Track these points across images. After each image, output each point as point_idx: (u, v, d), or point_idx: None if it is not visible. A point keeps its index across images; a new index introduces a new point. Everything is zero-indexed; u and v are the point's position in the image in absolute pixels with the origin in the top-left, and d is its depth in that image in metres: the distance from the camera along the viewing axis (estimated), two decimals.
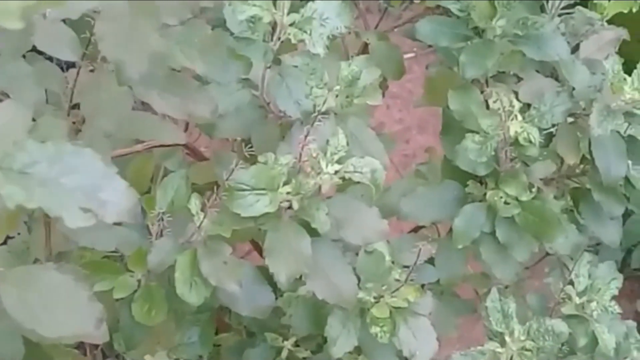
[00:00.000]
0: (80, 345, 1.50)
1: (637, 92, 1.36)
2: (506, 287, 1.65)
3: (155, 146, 1.49)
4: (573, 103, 1.44)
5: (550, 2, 1.64)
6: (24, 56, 1.23)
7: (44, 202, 0.71)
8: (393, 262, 1.48)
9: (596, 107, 1.35)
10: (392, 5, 1.87)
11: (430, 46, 3.41)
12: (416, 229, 1.80)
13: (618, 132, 1.41)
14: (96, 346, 1.61)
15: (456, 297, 1.83)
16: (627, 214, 3.50)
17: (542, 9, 1.62)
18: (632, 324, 1.70)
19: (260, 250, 1.68)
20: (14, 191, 0.70)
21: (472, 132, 1.45)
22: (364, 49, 1.78)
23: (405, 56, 3.45)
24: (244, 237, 1.41)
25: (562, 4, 1.65)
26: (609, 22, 1.72)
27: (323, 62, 1.41)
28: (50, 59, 1.30)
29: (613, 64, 1.37)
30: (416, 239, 1.64)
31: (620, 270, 3.86)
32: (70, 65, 1.31)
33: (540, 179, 1.65)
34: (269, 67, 1.36)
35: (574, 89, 1.44)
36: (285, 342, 1.61)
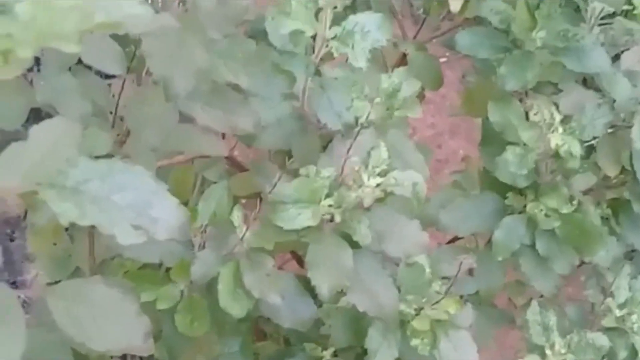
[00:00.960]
0: (123, 356, 1.52)
1: None
2: (541, 296, 1.65)
3: (197, 157, 1.51)
4: (614, 115, 1.44)
5: (589, 13, 1.64)
6: (70, 69, 1.26)
7: (96, 219, 0.72)
8: (432, 274, 1.48)
9: (638, 119, 1.35)
10: (430, 15, 1.87)
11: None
12: (454, 240, 1.80)
13: None
14: (141, 357, 1.63)
15: (494, 308, 1.82)
16: None
17: (582, 20, 1.62)
18: None
19: (299, 259, 1.69)
20: (68, 208, 0.72)
21: (513, 144, 1.45)
22: (402, 60, 1.79)
23: (440, 60, 3.45)
24: (285, 248, 1.42)
25: (601, 15, 1.65)
26: None
27: (363, 74, 1.42)
28: (95, 72, 1.32)
29: None
30: (455, 251, 1.65)
31: None
32: (111, 76, 1.33)
33: (582, 190, 1.65)
34: (311, 79, 1.37)
35: (614, 101, 1.43)
36: (324, 353, 1.61)
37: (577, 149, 1.40)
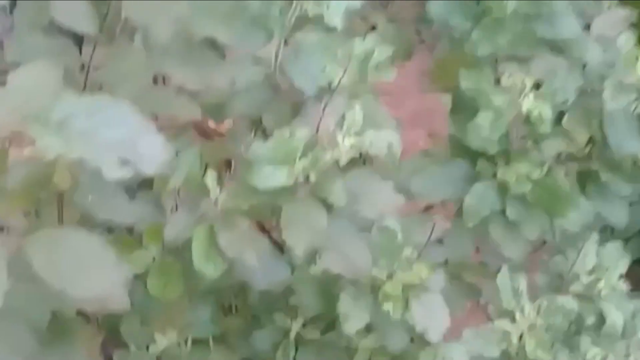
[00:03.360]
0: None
1: None
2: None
3: (164, 125, 1.49)
4: (585, 80, 1.45)
5: None
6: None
7: (82, 153, 0.71)
8: (405, 240, 1.49)
9: (609, 82, 1.36)
10: None
11: (423, 42, 3.42)
12: (426, 209, 1.81)
13: (631, 109, 1.41)
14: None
15: (464, 281, 1.83)
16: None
17: None
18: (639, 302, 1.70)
19: (266, 232, 1.68)
20: (53, 142, 0.70)
21: (485, 110, 1.46)
22: (371, 32, 1.78)
23: None
24: (260, 214, 1.40)
25: None
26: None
27: (336, 40, 1.42)
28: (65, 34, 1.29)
29: (627, 40, 1.38)
30: (427, 218, 1.66)
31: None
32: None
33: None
34: (284, 44, 1.36)
35: (585, 66, 1.45)
36: (293, 323, 1.61)
37: (548, 113, 1.42)
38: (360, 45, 1.43)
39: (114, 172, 0.71)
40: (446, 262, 1.65)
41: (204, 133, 1.61)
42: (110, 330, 1.56)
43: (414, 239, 1.53)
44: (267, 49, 1.38)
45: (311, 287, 1.49)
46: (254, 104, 1.45)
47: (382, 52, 1.45)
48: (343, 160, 1.24)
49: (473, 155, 1.55)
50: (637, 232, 3.60)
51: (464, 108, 1.52)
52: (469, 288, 1.81)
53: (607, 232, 1.85)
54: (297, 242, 1.23)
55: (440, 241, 1.64)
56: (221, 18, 1.08)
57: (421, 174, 1.57)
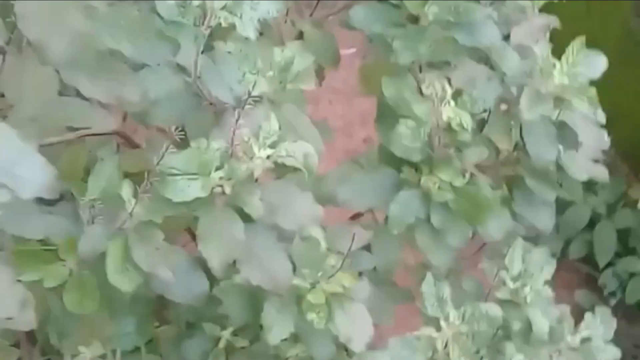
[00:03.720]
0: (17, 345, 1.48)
1: (566, 77, 1.39)
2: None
3: (88, 134, 1.48)
4: (504, 89, 1.46)
5: None
6: None
7: None
8: (329, 249, 1.49)
9: (526, 91, 1.38)
10: None
11: (372, 41, 3.44)
12: (355, 217, 1.81)
13: (549, 117, 1.43)
14: (33, 344, 1.58)
15: (394, 286, 1.84)
16: (566, 205, 3.57)
17: None
18: (565, 308, 1.72)
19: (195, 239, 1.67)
20: None
21: (406, 118, 1.46)
22: (299, 38, 1.78)
23: (348, 51, 3.46)
24: (178, 224, 1.40)
25: None
26: (542, 10, 1.75)
27: (257, 49, 1.41)
28: None
29: (543, 50, 1.39)
30: (352, 227, 1.66)
31: (559, 261, 3.92)
32: None
33: (477, 167, 1.67)
34: (202, 53, 1.35)
35: (505, 74, 1.46)
36: (223, 332, 1.61)
37: (468, 122, 1.42)
38: (279, 54, 1.42)
39: None
40: (374, 269, 1.65)
41: (130, 141, 1.59)
42: (43, 341, 1.55)
43: (340, 247, 1.53)
44: (188, 58, 1.37)
45: (237, 297, 1.49)
46: (175, 113, 1.43)
47: (302, 61, 1.45)
48: (258, 172, 1.23)
49: (399, 163, 1.55)
50: (579, 232, 3.66)
51: (389, 115, 1.53)
52: (400, 294, 1.82)
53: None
54: (213, 255, 1.23)
55: (368, 249, 1.64)
56: (125, 31, 1.07)
57: (348, 182, 1.57)
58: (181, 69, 1.40)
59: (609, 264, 3.63)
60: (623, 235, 3.57)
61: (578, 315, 4.05)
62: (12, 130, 0.72)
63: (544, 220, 1.72)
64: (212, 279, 1.45)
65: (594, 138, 1.49)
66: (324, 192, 1.55)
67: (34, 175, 0.71)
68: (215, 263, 1.23)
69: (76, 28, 0.97)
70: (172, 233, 1.32)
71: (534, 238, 3.73)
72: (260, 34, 1.78)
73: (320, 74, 1.98)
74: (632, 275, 3.57)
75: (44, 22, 0.94)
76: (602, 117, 1.48)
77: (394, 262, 1.65)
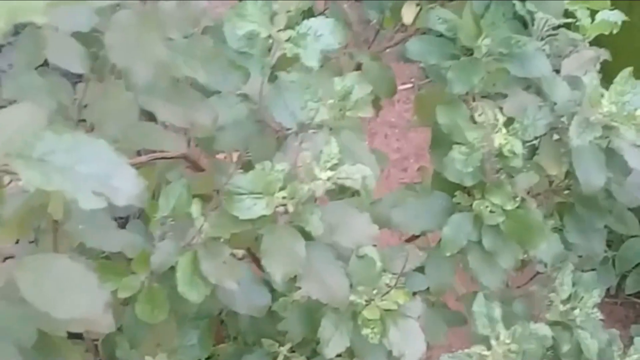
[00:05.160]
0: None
1: (614, 105, 1.45)
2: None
3: (158, 158, 1.57)
4: (554, 117, 1.52)
5: (536, 25, 1.74)
6: (36, 69, 1.32)
7: (60, 186, 0.78)
8: (385, 270, 1.55)
9: (575, 119, 1.44)
10: (385, 28, 1.95)
11: (428, 77, 3.49)
12: (410, 240, 1.88)
13: (598, 144, 1.49)
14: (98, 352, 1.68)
15: (447, 309, 1.90)
16: (622, 240, 3.57)
17: (528, 32, 1.71)
18: (615, 332, 1.77)
19: (256, 260, 1.76)
20: (33, 176, 0.78)
21: (460, 144, 1.53)
22: (358, 69, 1.86)
23: (404, 87, 3.54)
24: (243, 242, 1.48)
25: (546, 27, 1.75)
26: (593, 43, 1.82)
27: (318, 78, 1.50)
28: (61, 74, 1.38)
29: (591, 79, 1.46)
30: (407, 248, 1.73)
31: (616, 296, 3.92)
32: (79, 81, 1.39)
33: (528, 193, 1.73)
34: (268, 82, 1.44)
35: (555, 103, 1.52)
36: (281, 348, 1.68)
37: (519, 148, 1.49)
38: (339, 84, 1.51)
39: (89, 203, 0.79)
40: (427, 290, 1.71)
41: (196, 165, 1.68)
42: (108, 353, 1.64)
43: (394, 268, 1.60)
44: (253, 87, 1.46)
45: (295, 313, 1.56)
46: (240, 139, 1.52)
47: (361, 90, 1.53)
48: (319, 192, 1.31)
49: (452, 188, 1.62)
50: (635, 266, 3.65)
51: (443, 143, 1.60)
52: (453, 316, 1.88)
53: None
54: (276, 270, 1.31)
55: (421, 270, 1.71)
56: (199, 60, 1.17)
57: (402, 206, 1.64)
58: (246, 97, 1.49)
59: None
60: None
61: None
62: (108, 145, 0.81)
63: (594, 245, 1.77)
64: (273, 295, 1.54)
65: None
66: (379, 215, 1.62)
67: (127, 185, 0.80)
68: (278, 277, 1.30)
69: (158, 57, 1.06)
70: (234, 248, 1.40)
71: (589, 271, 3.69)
72: (321, 65, 1.88)
73: (377, 105, 2.07)
74: None
75: (130, 50, 1.04)
76: None
77: (447, 284, 1.70)
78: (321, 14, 1.83)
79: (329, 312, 1.49)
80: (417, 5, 1.79)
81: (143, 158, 1.52)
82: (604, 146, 1.53)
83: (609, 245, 3.60)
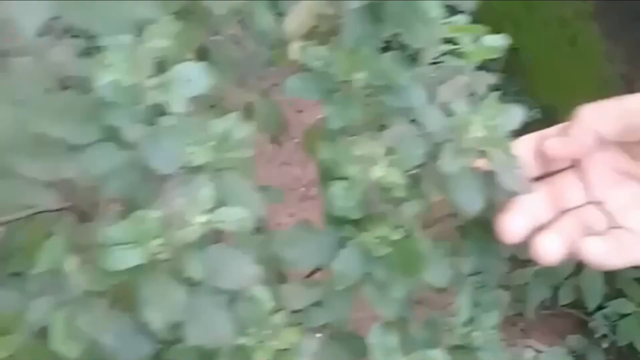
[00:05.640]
0: None
1: (483, 130, 1.47)
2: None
3: (41, 211, 1.56)
4: (432, 145, 1.54)
5: (420, 54, 1.76)
6: None
7: None
8: (280, 307, 1.55)
9: (447, 146, 1.46)
10: (277, 65, 1.96)
11: None
12: (310, 275, 1.88)
13: (471, 169, 1.51)
14: None
15: (355, 339, 1.89)
16: None
17: (412, 61, 1.74)
18: (519, 351, 1.78)
19: None
20: None
21: (342, 179, 1.54)
22: (248, 108, 1.87)
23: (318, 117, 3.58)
24: (124, 291, 1.47)
25: (432, 55, 1.78)
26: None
27: (198, 122, 1.50)
28: None
29: (460, 106, 1.48)
30: (304, 285, 1.73)
31: (551, 308, 3.96)
32: None
33: (424, 221, 1.75)
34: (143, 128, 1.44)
35: (430, 133, 1.54)
36: None
37: (399, 179, 1.50)
38: (218, 126, 1.51)
39: None
40: (326, 325, 1.71)
41: (83, 217, 1.67)
42: None
43: (293, 305, 1.60)
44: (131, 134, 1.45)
45: (190, 358, 1.55)
46: (124, 186, 1.51)
47: (241, 130, 1.54)
48: (192, 238, 1.31)
49: (340, 222, 1.62)
50: (567, 278, 3.70)
51: (328, 178, 1.60)
52: (358, 347, 1.87)
53: None
54: (155, 318, 1.30)
55: (319, 304, 1.71)
56: (54, 115, 1.16)
57: (295, 242, 1.64)
58: (127, 144, 1.48)
59: (599, 308, 3.67)
60: (610, 277, 3.62)
61: None
62: None
63: (493, 266, 1.79)
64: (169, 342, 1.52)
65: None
66: (273, 253, 1.63)
67: None
68: (158, 325, 1.30)
69: (4, 117, 1.06)
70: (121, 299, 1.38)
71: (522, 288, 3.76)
72: (212, 106, 1.89)
73: (275, 141, 2.08)
74: (622, 316, 3.61)
75: None
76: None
77: (346, 317, 1.71)
78: (204, 55, 1.83)
79: (222, 357, 1.48)
80: (304, 41, 1.81)
81: (23, 213, 1.51)
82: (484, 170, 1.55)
83: None
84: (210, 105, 1.81)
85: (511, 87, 3.45)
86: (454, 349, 1.69)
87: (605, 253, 0.89)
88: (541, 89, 3.57)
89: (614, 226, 0.80)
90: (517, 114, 1.52)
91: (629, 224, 0.84)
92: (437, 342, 1.70)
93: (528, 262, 3.60)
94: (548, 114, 3.72)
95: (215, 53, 1.79)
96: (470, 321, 1.72)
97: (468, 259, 1.78)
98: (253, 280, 1.41)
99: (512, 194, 1.57)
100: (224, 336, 1.38)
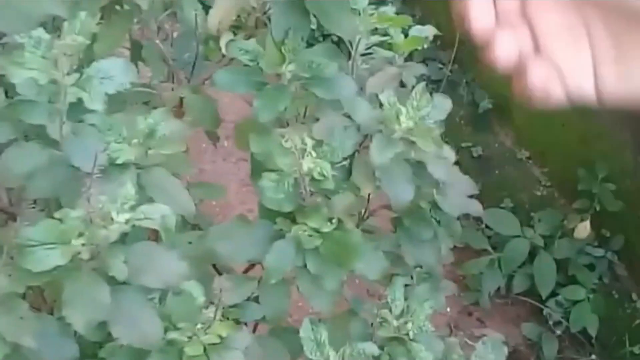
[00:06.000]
0: None
1: (412, 120, 1.47)
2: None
3: None
4: (361, 136, 1.54)
5: (351, 45, 1.76)
6: None
7: None
8: (213, 302, 1.54)
9: (376, 137, 1.45)
10: (210, 60, 1.95)
11: None
12: (247, 270, 1.87)
13: (402, 160, 1.51)
14: None
15: (293, 333, 1.88)
16: (505, 242, 3.66)
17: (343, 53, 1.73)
18: (453, 341, 1.78)
19: None
20: None
21: (273, 171, 1.53)
22: (181, 104, 1.86)
23: None
24: (48, 294, 1.45)
25: (363, 46, 1.77)
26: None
27: (123, 119, 1.48)
28: None
29: (388, 97, 1.48)
30: (238, 279, 1.72)
31: (506, 296, 3.98)
32: None
33: (366, 211, 1.75)
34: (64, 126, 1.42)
35: (359, 124, 1.54)
36: None
37: (329, 171, 1.49)
38: (143, 122, 1.49)
39: None
40: (264, 318, 1.71)
41: (13, 217, 1.64)
42: None
43: (228, 300, 1.59)
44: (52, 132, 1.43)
45: (122, 358, 1.53)
46: (50, 186, 1.49)
47: (168, 126, 1.52)
48: (113, 237, 1.29)
49: (274, 215, 1.61)
50: (520, 266, 3.72)
51: (260, 170, 1.59)
52: (290, 341, 1.86)
53: None
54: (77, 319, 1.28)
55: (256, 299, 1.70)
56: None
57: (227, 237, 1.63)
58: (51, 142, 1.46)
59: (552, 295, 3.70)
60: (563, 265, 3.65)
61: (528, 348, 4.11)
62: None
63: (428, 257, 1.79)
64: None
65: (451, 176, 1.57)
66: (206, 248, 1.62)
67: None
68: (80, 326, 1.28)
69: None
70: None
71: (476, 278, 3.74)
72: (146, 103, 1.86)
73: (213, 136, 2.07)
74: (574, 303, 3.64)
75: None
76: (451, 155, 1.56)
77: (283, 311, 1.70)
78: (137, 53, 1.82)
79: (154, 353, 1.46)
80: (234, 35, 1.80)
81: None
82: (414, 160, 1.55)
83: (494, 247, 3.68)
84: (143, 102, 1.79)
85: (462, 78, 3.47)
86: (390, 340, 1.69)
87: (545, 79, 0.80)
88: (492, 80, 3.58)
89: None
90: (445, 105, 1.52)
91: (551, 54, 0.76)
92: (370, 334, 1.70)
93: (482, 252, 3.65)
94: (499, 104, 3.76)
95: (147, 49, 1.77)
96: (403, 313, 1.71)
97: (402, 249, 1.79)
98: (181, 276, 1.39)
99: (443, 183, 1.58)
100: (152, 334, 1.36)
